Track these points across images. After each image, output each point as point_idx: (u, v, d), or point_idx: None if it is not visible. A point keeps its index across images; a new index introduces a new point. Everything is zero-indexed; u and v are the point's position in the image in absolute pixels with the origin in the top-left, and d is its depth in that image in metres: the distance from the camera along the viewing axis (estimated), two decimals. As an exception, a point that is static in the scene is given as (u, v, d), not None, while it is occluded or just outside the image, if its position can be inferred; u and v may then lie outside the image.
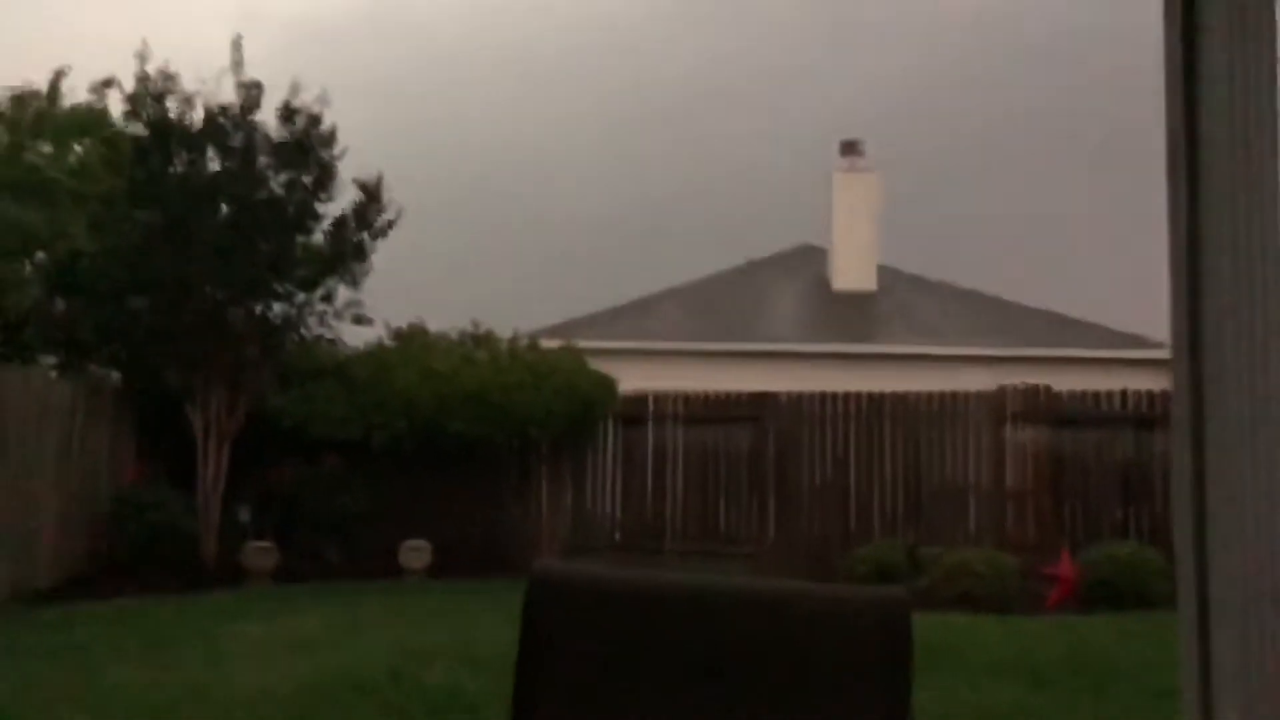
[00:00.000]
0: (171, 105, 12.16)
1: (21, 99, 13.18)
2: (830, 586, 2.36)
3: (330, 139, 12.71)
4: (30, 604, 10.00)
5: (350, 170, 12.89)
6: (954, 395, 13.24)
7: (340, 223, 12.90)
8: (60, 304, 12.67)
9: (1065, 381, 13.28)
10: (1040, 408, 12.94)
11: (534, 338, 14.66)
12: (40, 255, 12.71)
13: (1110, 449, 12.71)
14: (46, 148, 13.13)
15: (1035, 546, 12.21)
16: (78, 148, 13.27)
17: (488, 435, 12.80)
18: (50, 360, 13.17)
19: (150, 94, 12.11)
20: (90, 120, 13.10)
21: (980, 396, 13.14)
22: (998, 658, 7.95)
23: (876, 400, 13.47)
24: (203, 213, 12.13)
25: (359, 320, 13.28)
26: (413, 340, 13.69)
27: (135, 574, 11.26)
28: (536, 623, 1.97)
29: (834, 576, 11.46)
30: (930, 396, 13.34)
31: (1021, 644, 8.58)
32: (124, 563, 11.48)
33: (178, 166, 12.25)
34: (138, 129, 12.23)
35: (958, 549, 11.56)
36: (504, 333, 13.97)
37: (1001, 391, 13.13)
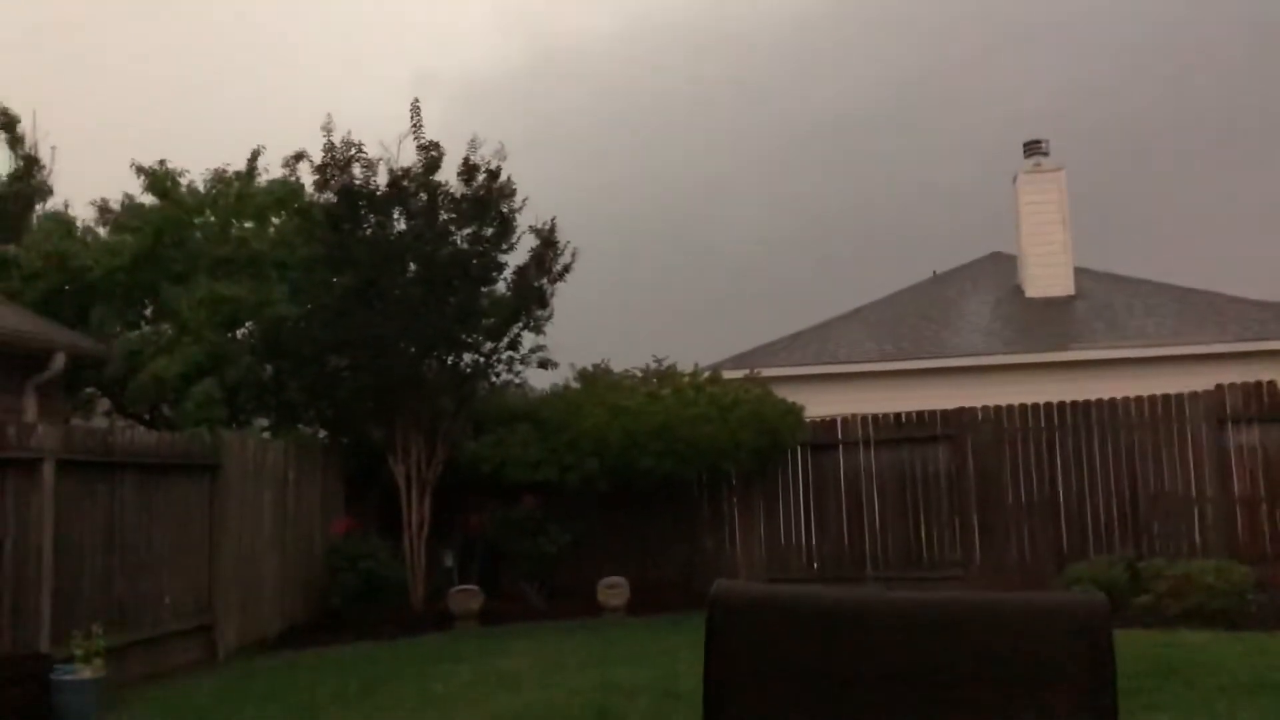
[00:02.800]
0: (357, 172, 12.78)
1: (223, 179, 14.19)
2: (1023, 595, 2.20)
3: (509, 191, 13.07)
4: (256, 653, 10.58)
5: (528, 219, 13.25)
6: (1166, 398, 12.43)
7: (521, 271, 13.23)
8: (268, 369, 13.45)
9: (1288, 376, 12.26)
10: (1264, 405, 11.98)
11: (716, 369, 14.61)
12: (249, 324, 13.60)
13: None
14: (249, 223, 14.09)
15: (1272, 557, 11.27)
16: (275, 220, 14.17)
17: (677, 470, 12.80)
18: (263, 422, 14.02)
19: (337, 163, 12.75)
20: (285, 193, 13.98)
21: (1195, 398, 12.29)
22: (1237, 678, 7.31)
23: (1082, 409, 12.78)
24: (392, 272, 12.66)
25: (544, 364, 13.57)
26: (598, 380, 13.86)
27: (351, 621, 11.76)
28: (720, 641, 1.96)
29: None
30: (1140, 401, 12.56)
31: (1263, 662, 7.88)
32: (340, 611, 12.01)
33: (367, 230, 12.84)
34: (328, 197, 12.90)
35: (1183, 562, 10.79)
36: (687, 367, 13.99)
37: (1219, 391, 12.24)
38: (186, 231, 13.84)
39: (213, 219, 14.05)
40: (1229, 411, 12.11)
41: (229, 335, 13.39)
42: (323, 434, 13.83)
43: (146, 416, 13.92)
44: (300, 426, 13.78)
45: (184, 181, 14.06)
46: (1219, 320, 16.71)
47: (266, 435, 13.51)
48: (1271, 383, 12.10)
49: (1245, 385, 12.18)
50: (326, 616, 12.08)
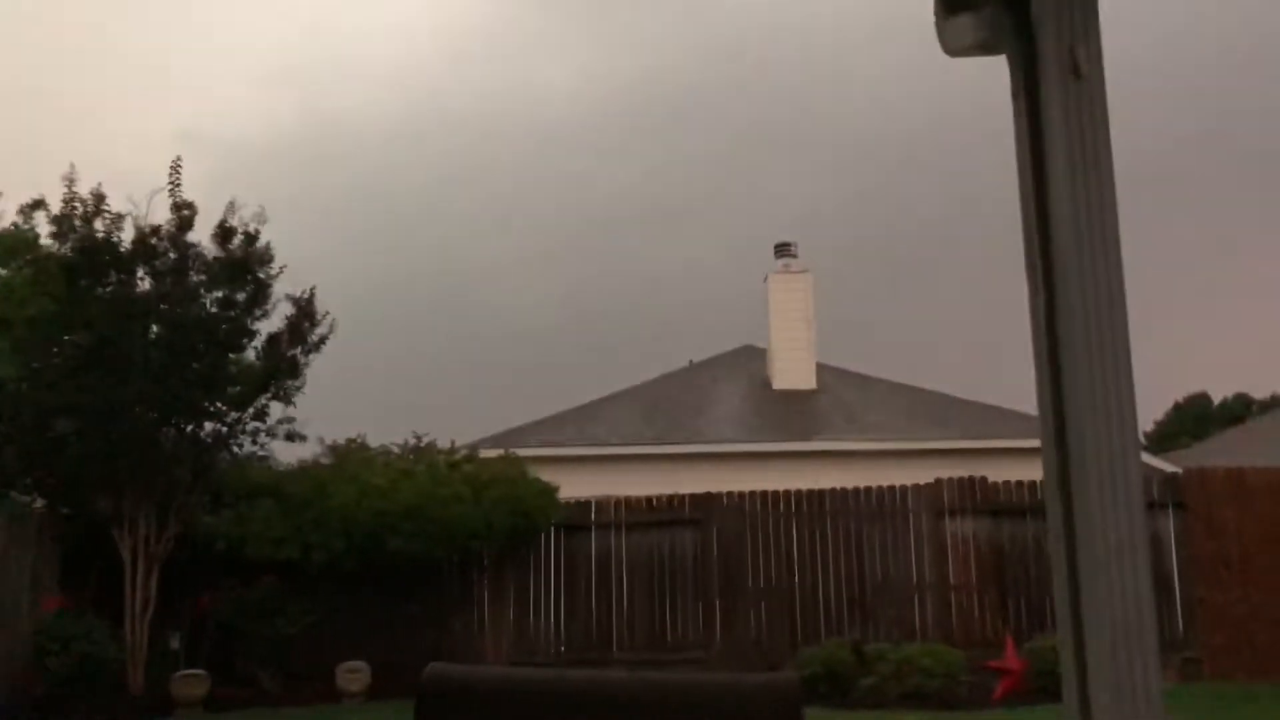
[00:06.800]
0: (100, 226, 12.12)
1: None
2: (720, 676, 2.34)
3: (267, 257, 12.72)
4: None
5: (284, 287, 12.91)
6: (891, 489, 13.31)
7: (274, 339, 12.83)
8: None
9: (1004, 472, 13.40)
10: (976, 499, 13.03)
11: (474, 448, 14.54)
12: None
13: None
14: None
15: (981, 640, 12.17)
16: (2, 271, 13.18)
17: (428, 551, 12.57)
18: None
19: (78, 214, 12.06)
20: (17, 241, 13.04)
21: (918, 490, 13.21)
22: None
23: (817, 497, 13.48)
24: (132, 333, 12.01)
25: (292, 437, 13.12)
26: (350, 455, 13.50)
27: (60, 708, 10.81)
28: None
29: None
30: (869, 491, 13.39)
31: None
32: (48, 696, 11.03)
33: (107, 287, 12.15)
34: (66, 250, 12.15)
35: (904, 645, 11.49)
36: (448, 444, 13.85)
37: (938, 484, 13.22)
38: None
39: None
40: (946, 504, 13.08)
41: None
42: (40, 503, 12.78)
43: None
44: (13, 494, 12.68)
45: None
46: (945, 419, 18.12)
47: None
48: (984, 478, 13.18)
49: (961, 479, 13.21)
50: (34, 702, 11.04)
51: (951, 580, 12.91)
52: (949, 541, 12.99)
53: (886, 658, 11.10)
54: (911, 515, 13.16)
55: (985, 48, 1.13)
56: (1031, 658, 10.77)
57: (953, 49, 1.15)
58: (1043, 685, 10.29)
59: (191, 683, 11.52)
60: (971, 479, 13.17)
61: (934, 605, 12.91)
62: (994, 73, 1.14)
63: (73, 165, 12.10)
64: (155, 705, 11.29)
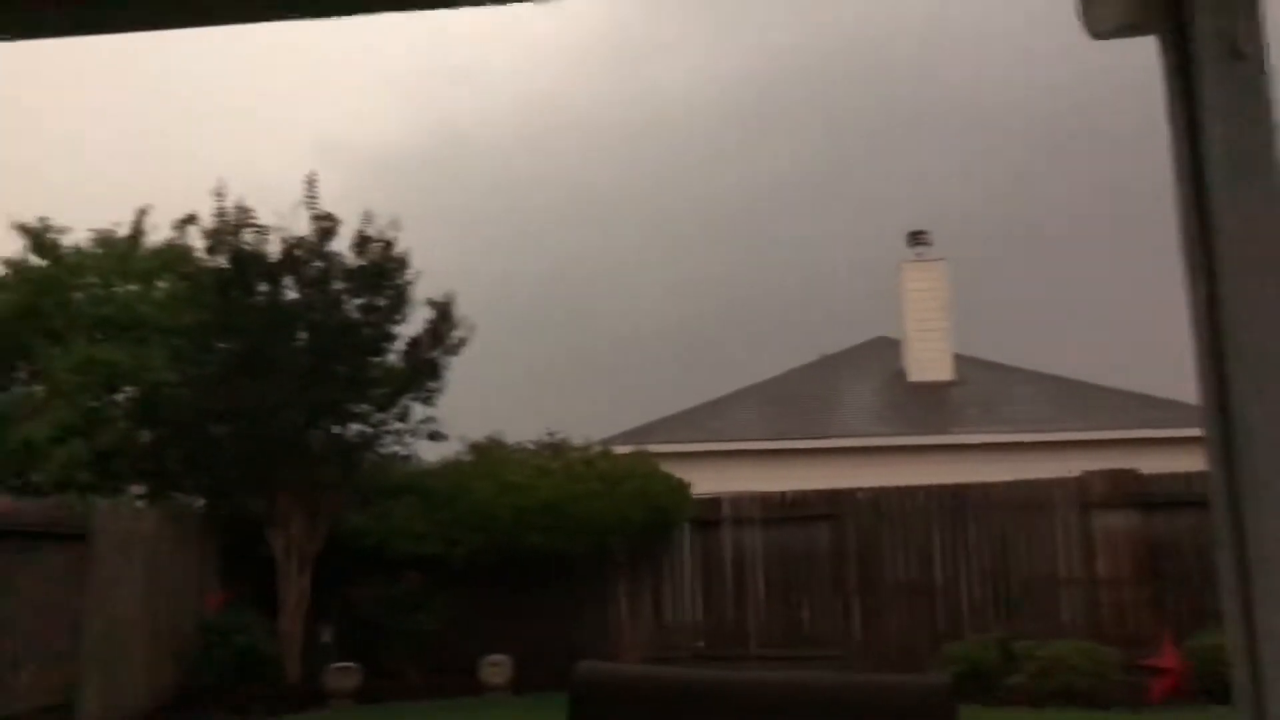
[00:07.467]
0: (249, 238, 12.66)
1: (108, 240, 13.91)
2: (873, 677, 2.31)
3: (403, 263, 13.08)
4: (119, 733, 10.13)
5: (425, 292, 13.27)
6: (1036, 483, 12.91)
7: (414, 343, 13.20)
8: (146, 435, 13.09)
9: (1156, 462, 12.85)
10: (1126, 492, 12.53)
11: (608, 444, 14.69)
12: (127, 389, 13.24)
13: (1209, 531, 12.22)
14: (133, 285, 13.80)
15: (1135, 637, 11.71)
16: (161, 283, 13.91)
17: (564, 546, 12.77)
18: (137, 490, 13.59)
19: (229, 228, 12.62)
20: (173, 256, 13.75)
21: (1063, 483, 12.78)
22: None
23: (958, 492, 13.18)
24: (281, 339, 12.51)
25: (434, 436, 13.48)
26: (488, 453, 13.80)
27: (221, 699, 11.36)
28: None
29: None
30: (1013, 486, 13.01)
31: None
32: (211, 688, 11.59)
33: (257, 297, 12.69)
34: (218, 262, 12.74)
35: (1052, 643, 11.14)
36: (581, 441, 14.04)
37: (1086, 477, 12.76)
38: (66, 292, 13.49)
39: (95, 280, 13.73)
40: (1094, 497, 12.62)
41: (105, 399, 13.01)
42: (200, 503, 13.45)
43: (16, 482, 13.37)
44: (177, 495, 13.38)
45: (69, 241, 13.74)
46: (1089, 409, 17.48)
47: (141, 504, 13.08)
48: (1132, 470, 12.66)
49: (1111, 471, 12.72)
50: (197, 692, 11.63)
51: (1101, 575, 12.46)
52: (1098, 536, 12.53)
53: (1034, 655, 10.79)
54: (1057, 509, 12.74)
55: (1134, 28, 1.08)
56: (1192, 657, 10.30)
57: (1098, 30, 1.11)
58: (1206, 687, 9.81)
59: (343, 675, 11.95)
60: (1122, 471, 12.67)
61: (1082, 601, 12.47)
62: (1141, 54, 1.09)
63: (222, 181, 12.68)
64: (310, 697, 11.76)
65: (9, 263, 13.74)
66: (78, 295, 13.63)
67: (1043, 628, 12.10)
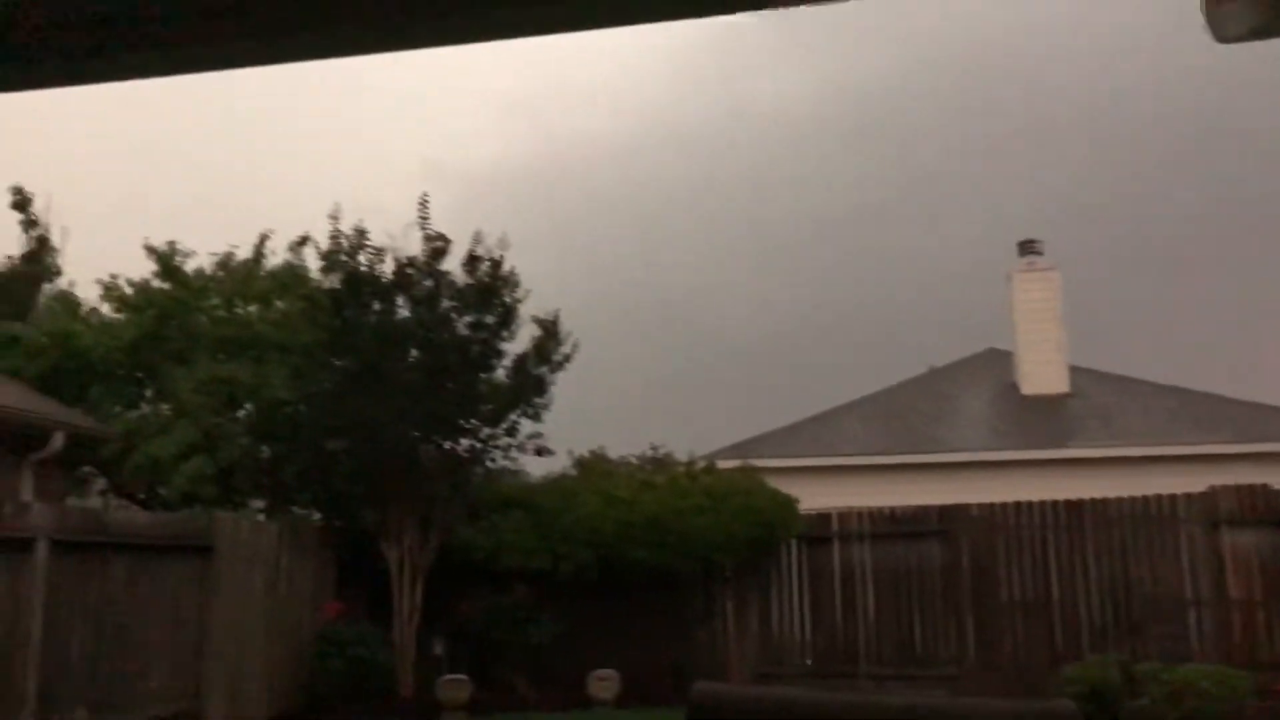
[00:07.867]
0: (363, 259, 12.98)
1: (228, 264, 14.43)
2: (998, 702, 2.24)
3: (513, 282, 13.26)
4: (242, 740, 10.44)
5: (531, 309, 13.42)
6: (1159, 498, 12.44)
7: (521, 359, 13.35)
8: (265, 450, 13.50)
9: (1288, 478, 12.28)
10: (1258, 508, 11.99)
11: (712, 459, 14.64)
12: (247, 406, 13.69)
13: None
14: (252, 306, 14.28)
15: (1269, 662, 11.18)
16: (279, 303, 14.36)
17: (670, 562, 12.75)
18: (258, 504, 14.03)
19: (343, 249, 12.96)
20: (291, 277, 14.18)
21: (1189, 499, 12.29)
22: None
23: (1075, 508, 12.78)
24: (394, 357, 12.79)
25: (541, 451, 13.60)
26: (594, 468, 13.87)
27: (337, 709, 11.62)
28: None
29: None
30: (1134, 501, 12.56)
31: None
32: (327, 697, 11.87)
33: (371, 316, 12.99)
34: (333, 282, 13.09)
35: (1179, 666, 10.70)
36: (684, 455, 14.02)
37: (1212, 492, 12.25)
38: (190, 314, 14.02)
39: (217, 301, 14.25)
40: (1222, 513, 12.10)
41: (227, 415, 13.48)
42: (316, 516, 13.81)
43: (142, 496, 13.93)
44: (294, 508, 13.77)
45: (192, 263, 14.29)
46: (1215, 421, 16.78)
47: (261, 517, 13.50)
48: (1265, 485, 12.11)
49: (1240, 487, 12.19)
50: (314, 701, 11.93)
51: (1231, 596, 11.93)
52: (1227, 554, 12.00)
53: (1159, 678, 10.37)
54: (1182, 526, 12.25)
55: (1263, 31, 1.03)
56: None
57: (1224, 35, 1.06)
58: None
59: (455, 687, 12.12)
60: (1252, 486, 12.13)
61: (1210, 622, 11.96)
62: (1269, 58, 1.04)
63: (337, 203, 13.04)
64: (423, 708, 11.95)
65: (136, 285, 14.34)
66: (201, 317, 14.15)
67: (1168, 649, 11.63)
